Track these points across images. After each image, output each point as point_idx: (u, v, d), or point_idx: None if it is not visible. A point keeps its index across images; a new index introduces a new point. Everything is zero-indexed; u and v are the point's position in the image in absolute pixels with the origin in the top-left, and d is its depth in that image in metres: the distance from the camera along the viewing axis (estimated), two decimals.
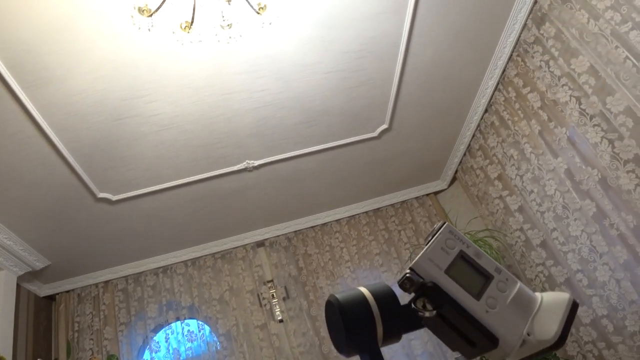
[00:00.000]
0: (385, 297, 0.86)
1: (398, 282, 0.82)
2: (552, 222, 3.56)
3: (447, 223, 0.88)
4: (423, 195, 4.83)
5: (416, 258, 0.83)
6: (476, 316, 0.78)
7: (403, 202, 4.80)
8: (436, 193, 4.89)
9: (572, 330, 3.50)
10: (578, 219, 3.33)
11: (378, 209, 4.76)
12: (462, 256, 0.86)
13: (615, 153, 2.93)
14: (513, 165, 3.83)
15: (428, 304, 0.79)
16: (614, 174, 2.97)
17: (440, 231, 0.87)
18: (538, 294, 0.85)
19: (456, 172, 4.70)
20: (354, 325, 0.82)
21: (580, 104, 3.07)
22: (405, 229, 4.66)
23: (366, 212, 4.74)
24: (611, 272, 3.15)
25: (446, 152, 4.52)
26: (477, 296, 0.80)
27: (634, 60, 2.63)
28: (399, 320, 0.84)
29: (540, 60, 3.26)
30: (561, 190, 3.42)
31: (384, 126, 3.91)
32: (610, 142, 2.94)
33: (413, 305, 0.81)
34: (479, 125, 4.11)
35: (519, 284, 0.85)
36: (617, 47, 2.70)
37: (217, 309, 4.23)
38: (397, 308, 0.84)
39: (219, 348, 4.05)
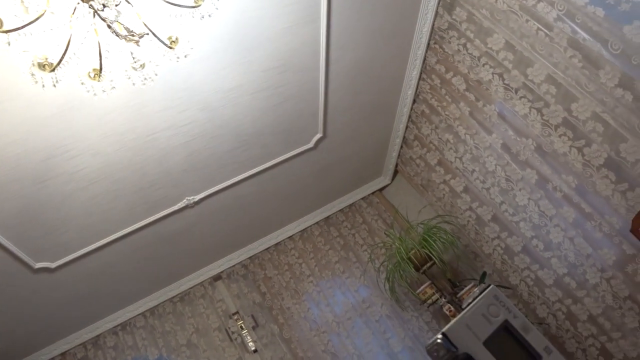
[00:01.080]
0: None
1: (427, 348, 0.70)
2: (498, 196, 3.65)
3: (493, 285, 0.73)
4: (369, 195, 4.82)
5: (451, 322, 0.69)
6: None
7: (351, 205, 4.77)
8: (381, 189, 4.89)
9: (539, 293, 3.61)
10: (523, 189, 3.43)
11: (328, 217, 4.71)
12: (507, 327, 0.71)
13: (545, 120, 3.03)
14: (451, 149, 3.90)
15: None
16: (548, 140, 3.08)
17: (483, 294, 0.72)
18: None
19: (397, 165, 4.73)
20: None
21: (503, 79, 3.16)
22: (358, 231, 4.64)
23: (317, 223, 4.67)
24: (564, 232, 3.26)
25: (383, 148, 4.54)
26: None
27: (546, 30, 2.73)
28: None
29: (458, 44, 3.33)
30: (501, 164, 3.51)
31: (319, 135, 3.86)
32: (539, 110, 3.05)
33: None
34: (410, 117, 4.15)
35: None
36: (527, 20, 2.80)
37: (188, 354, 4.01)
38: None
39: None
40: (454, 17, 3.24)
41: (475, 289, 3.70)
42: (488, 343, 0.55)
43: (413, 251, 3.86)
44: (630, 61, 2.44)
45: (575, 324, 3.42)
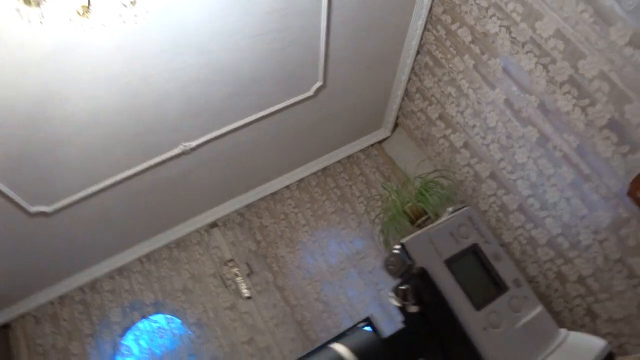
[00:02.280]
0: (371, 355, 0.61)
1: (384, 262, 0.63)
2: (498, 152, 3.60)
3: (469, 207, 0.64)
4: (368, 147, 4.78)
5: (414, 234, 0.60)
6: (468, 330, 0.57)
7: (349, 156, 4.74)
8: (380, 142, 4.85)
9: (531, 251, 3.63)
10: (523, 146, 3.38)
11: (326, 167, 4.69)
12: (475, 251, 0.64)
13: (550, 77, 2.95)
14: (452, 102, 3.82)
15: (410, 296, 0.57)
16: (552, 97, 3.00)
17: (456, 213, 0.65)
18: (563, 330, 0.65)
19: (397, 118, 4.66)
20: None
21: (510, 32, 3.05)
22: (356, 183, 4.63)
23: (314, 173, 4.66)
24: (560, 193, 3.24)
25: (384, 100, 4.46)
26: (479, 306, 0.59)
27: None
28: None
29: None
30: (503, 120, 3.44)
31: (319, 83, 3.78)
32: (545, 66, 2.95)
33: (391, 293, 0.60)
34: (413, 68, 4.04)
35: (540, 308, 0.63)
36: None
37: (183, 299, 4.10)
38: None
39: (192, 338, 3.95)
40: None
41: (450, 208, 3.74)
42: (450, 262, 0.53)
43: (409, 204, 3.86)
44: None
45: (564, 284, 3.46)
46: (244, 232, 4.40)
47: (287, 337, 3.89)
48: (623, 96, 2.62)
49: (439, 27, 3.56)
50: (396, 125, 4.76)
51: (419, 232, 0.58)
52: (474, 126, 3.71)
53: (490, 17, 3.10)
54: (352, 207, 4.51)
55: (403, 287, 0.58)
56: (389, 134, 4.83)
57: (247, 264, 4.24)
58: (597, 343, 0.62)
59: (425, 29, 3.67)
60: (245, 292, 4.07)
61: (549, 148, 3.19)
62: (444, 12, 3.44)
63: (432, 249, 0.58)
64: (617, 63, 2.56)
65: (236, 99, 3.48)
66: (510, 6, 2.94)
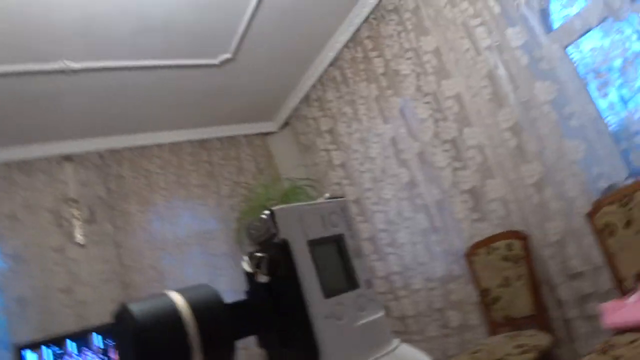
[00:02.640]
0: (209, 312, 0.55)
1: (247, 226, 0.61)
2: (368, 182, 3.79)
3: (345, 199, 0.66)
4: (253, 135, 4.73)
5: (286, 205, 0.60)
6: (312, 314, 0.58)
7: (232, 137, 4.64)
8: (266, 134, 4.83)
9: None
10: (392, 184, 3.59)
11: (205, 140, 4.53)
12: (339, 241, 0.66)
13: (437, 132, 3.18)
14: (345, 122, 3.95)
15: (265, 265, 0.58)
16: (432, 150, 3.24)
17: (333, 200, 0.65)
18: (396, 340, 0.69)
19: (290, 117, 4.68)
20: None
21: (419, 79, 3.24)
22: (228, 164, 4.54)
23: (191, 141, 4.47)
24: (410, 236, 3.50)
25: (284, 96, 4.45)
26: (328, 294, 0.61)
27: (474, 53, 2.84)
28: (230, 346, 0.55)
29: (394, 30, 3.32)
30: (384, 155, 3.63)
31: (227, 55, 3.65)
32: (436, 121, 3.18)
33: (246, 258, 0.57)
34: (321, 77, 4.10)
35: (381, 313, 0.68)
36: (462, 37, 2.87)
37: (6, 225, 3.63)
38: (226, 326, 0.56)
39: (4, 269, 3.51)
40: (402, 1, 3.22)
41: (327, 194, 3.86)
42: (313, 244, 0.54)
43: (272, 202, 3.88)
44: (528, 113, 2.64)
45: (386, 317, 3.74)
46: (99, 176, 4.05)
47: (109, 297, 3.64)
48: (489, 170, 2.92)
49: (359, 48, 3.66)
50: (286, 124, 4.78)
51: (292, 205, 0.58)
52: (357, 151, 3.86)
53: (407, 59, 3.27)
54: (217, 186, 4.41)
55: (260, 254, 0.57)
56: (276, 130, 4.83)
57: (90, 210, 3.90)
58: (423, 358, 0.70)
59: (346, 45, 3.75)
60: (80, 238, 3.74)
61: (414, 194, 3.43)
62: (369, 37, 3.55)
63: (299, 225, 0.58)
64: (494, 141, 2.85)
65: (140, 37, 3.21)
66: (427, 57, 3.12)
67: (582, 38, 2.48)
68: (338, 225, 0.66)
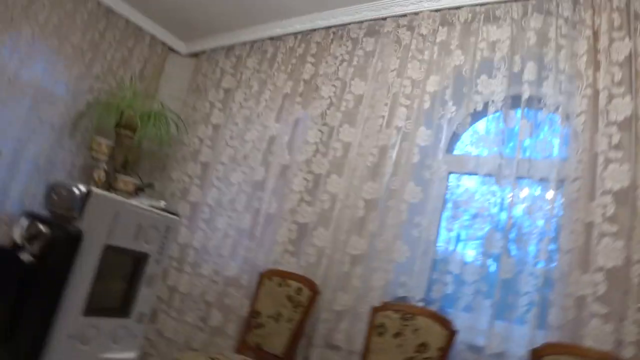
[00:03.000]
0: None
1: (52, 184, 0.51)
2: (227, 157, 3.71)
3: (179, 220, 0.56)
4: (160, 41, 4.30)
5: (110, 193, 0.51)
6: (55, 325, 0.50)
7: (140, 28, 4.10)
8: (171, 49, 4.44)
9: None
10: (244, 174, 3.55)
11: (113, 10, 3.96)
12: (140, 261, 0.55)
13: (310, 160, 3.24)
14: (244, 93, 3.82)
15: (40, 243, 0.48)
16: (296, 171, 3.28)
17: (165, 214, 0.57)
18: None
19: (203, 53, 4.37)
20: None
21: (329, 108, 3.31)
22: (119, 48, 3.99)
23: (99, 3, 3.91)
24: (227, 227, 3.48)
25: (216, 30, 4.11)
26: (88, 312, 0.51)
27: (384, 124, 2.97)
28: None
29: (340, 54, 3.40)
30: (256, 145, 3.58)
31: None
32: (316, 151, 3.25)
33: (25, 222, 0.47)
34: (258, 42, 3.94)
35: (132, 355, 0.60)
36: (386, 104, 3.01)
37: None
38: None
39: None
40: (368, 39, 3.28)
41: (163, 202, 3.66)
42: (109, 250, 0.48)
43: (132, 112, 3.62)
44: (388, 199, 2.82)
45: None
46: None
47: None
48: (324, 219, 3.03)
49: (303, 45, 3.63)
50: (196, 55, 4.45)
51: (113, 197, 0.52)
52: (237, 124, 3.76)
53: (332, 85, 3.33)
54: (92, 58, 3.87)
55: (43, 229, 0.49)
56: (183, 54, 4.48)
57: None
58: None
59: (296, 34, 3.68)
60: None
61: (256, 195, 3.44)
62: (318, 43, 3.54)
63: (108, 224, 0.53)
64: (348, 200, 2.98)
65: None
66: (349, 97, 3.21)
67: (465, 175, 2.74)
68: (150, 243, 0.60)
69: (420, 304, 2.64)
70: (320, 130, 3.27)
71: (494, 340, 2.29)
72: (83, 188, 0.43)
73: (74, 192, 0.41)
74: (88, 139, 3.75)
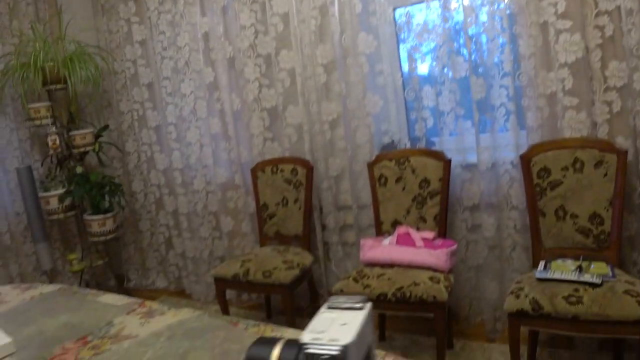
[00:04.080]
0: None
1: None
2: (168, 70, 3.53)
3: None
4: None
5: (352, 333, 0.54)
6: None
7: None
8: None
9: (146, 169, 3.75)
10: (193, 81, 3.43)
11: None
12: (367, 352, 0.61)
13: (255, 44, 3.14)
14: None
15: None
16: (244, 60, 3.19)
17: (367, 306, 0.62)
18: None
19: None
20: None
21: None
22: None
23: None
24: (200, 137, 3.47)
25: None
26: None
27: None
28: None
29: None
30: (192, 47, 3.41)
31: None
32: (256, 32, 3.12)
33: None
34: None
35: None
36: None
37: None
38: None
39: None
40: None
41: (91, 136, 3.55)
42: None
43: (51, 64, 3.35)
44: (345, 58, 2.83)
45: (158, 210, 3.75)
46: None
47: None
48: (293, 96, 3.07)
49: None
50: None
51: (354, 335, 0.57)
52: (163, 33, 3.50)
53: None
54: None
55: None
56: None
57: None
58: None
59: None
60: None
61: (214, 97, 3.36)
62: None
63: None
64: (307, 71, 2.98)
65: None
66: None
67: (412, 7, 2.71)
68: (369, 336, 0.61)
69: (409, 145, 2.82)
70: (252, 10, 3.11)
71: (484, 154, 2.52)
72: (338, 347, 0.42)
73: (334, 356, 0.42)
74: (22, 109, 3.52)
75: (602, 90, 2.14)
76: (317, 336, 0.53)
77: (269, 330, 1.45)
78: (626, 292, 1.80)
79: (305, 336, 0.53)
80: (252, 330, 1.44)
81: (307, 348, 0.53)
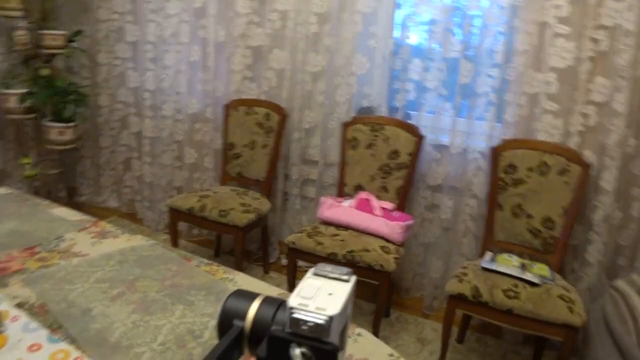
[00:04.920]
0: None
1: (293, 331, 0.55)
2: None
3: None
4: None
5: (339, 305, 0.55)
6: None
7: None
8: None
9: (116, 86, 3.61)
10: (180, 2, 3.27)
11: None
12: (344, 324, 0.66)
13: None
14: None
15: None
16: None
17: (352, 280, 0.63)
18: None
19: None
20: None
21: None
22: None
23: None
24: (178, 63, 3.35)
25: None
26: None
27: None
28: None
29: None
30: None
31: None
32: None
33: (296, 354, 0.55)
34: None
35: None
36: None
37: None
38: None
39: None
40: None
41: (62, 39, 3.36)
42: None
43: None
44: (340, 12, 2.75)
45: (122, 129, 3.67)
46: None
47: None
48: (281, 40, 2.99)
49: None
50: None
51: (342, 306, 0.57)
52: None
53: None
54: None
55: (307, 352, 0.59)
56: None
57: None
58: None
59: None
60: None
61: (200, 24, 3.22)
62: None
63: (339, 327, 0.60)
64: (299, 17, 2.89)
65: None
66: None
67: None
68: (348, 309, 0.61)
69: (385, 113, 2.82)
70: None
71: (457, 138, 2.56)
72: (325, 315, 0.41)
73: (320, 323, 0.41)
74: None
75: (583, 103, 2.19)
76: (304, 302, 0.53)
77: (221, 272, 1.47)
78: (560, 296, 1.91)
79: (292, 300, 0.54)
80: (204, 268, 1.46)
81: (293, 313, 0.53)
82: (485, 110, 2.48)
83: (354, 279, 0.61)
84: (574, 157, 2.18)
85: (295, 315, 0.53)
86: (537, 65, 2.26)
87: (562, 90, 2.21)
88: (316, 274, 0.61)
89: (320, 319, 0.52)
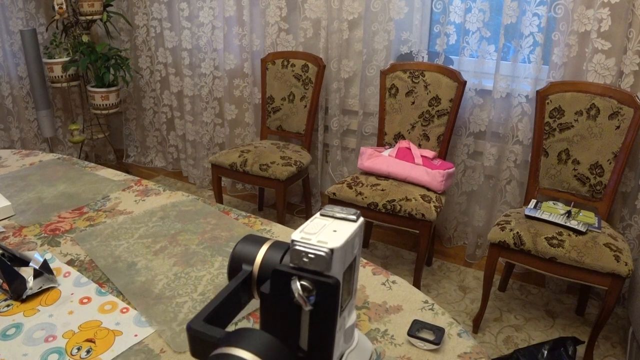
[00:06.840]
0: None
1: (293, 262, 0.53)
2: None
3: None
4: None
5: (341, 240, 0.57)
6: (334, 331, 0.56)
7: None
8: None
9: (155, 44, 3.63)
10: None
11: None
12: (351, 263, 0.59)
13: None
14: None
15: (309, 295, 0.52)
16: None
17: (359, 220, 0.59)
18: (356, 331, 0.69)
19: None
20: None
21: None
22: None
23: None
24: (213, 19, 3.32)
25: None
26: (341, 310, 0.59)
27: None
28: None
29: None
30: None
31: None
32: None
33: (298, 285, 0.53)
34: None
35: (354, 315, 0.67)
36: None
37: None
38: None
39: None
40: None
41: (99, 5, 3.38)
42: (344, 273, 0.47)
43: None
44: None
45: (163, 89, 3.70)
46: None
47: None
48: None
49: None
50: None
51: (345, 239, 0.55)
52: None
53: None
54: None
55: (308, 285, 0.56)
56: None
57: None
58: (369, 346, 0.77)
59: None
60: None
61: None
62: None
63: (342, 260, 0.58)
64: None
65: None
66: None
67: None
68: (355, 247, 0.58)
69: (425, 59, 2.73)
70: None
71: (501, 82, 2.46)
72: (324, 249, 0.41)
73: (321, 255, 0.41)
74: None
75: (638, 40, 2.03)
76: (306, 236, 0.53)
77: (259, 224, 1.49)
78: (607, 244, 1.85)
79: (295, 234, 0.54)
80: (243, 221, 1.49)
81: (295, 245, 0.53)
82: (531, 52, 2.35)
83: (361, 220, 0.60)
84: (626, 99, 2.05)
85: (296, 247, 0.53)
86: (588, 0, 2.11)
87: (615, 27, 2.06)
88: (323, 215, 0.60)
89: (321, 251, 0.51)
